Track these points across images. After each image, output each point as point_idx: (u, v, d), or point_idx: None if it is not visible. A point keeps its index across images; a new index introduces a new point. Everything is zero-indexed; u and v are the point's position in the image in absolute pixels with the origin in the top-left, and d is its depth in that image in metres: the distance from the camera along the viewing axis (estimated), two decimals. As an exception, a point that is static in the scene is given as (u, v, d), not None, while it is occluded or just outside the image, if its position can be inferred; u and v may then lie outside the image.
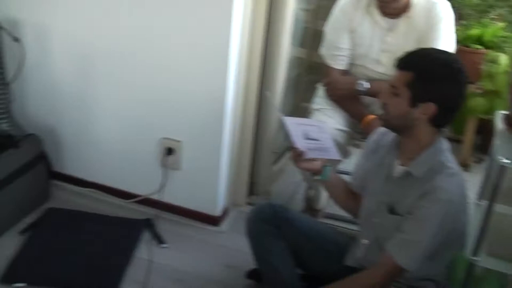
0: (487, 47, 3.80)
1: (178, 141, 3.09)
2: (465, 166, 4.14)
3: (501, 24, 3.79)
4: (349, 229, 2.82)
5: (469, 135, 4.13)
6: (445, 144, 2.20)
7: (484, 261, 2.34)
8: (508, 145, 2.25)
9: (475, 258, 2.31)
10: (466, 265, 2.36)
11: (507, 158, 2.13)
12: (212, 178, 3.13)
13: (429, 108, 2.07)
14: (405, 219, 2.16)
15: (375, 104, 2.98)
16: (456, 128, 4.19)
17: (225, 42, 2.78)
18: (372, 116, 2.94)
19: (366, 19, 2.94)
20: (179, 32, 2.85)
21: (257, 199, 3.38)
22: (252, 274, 2.80)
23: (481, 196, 2.70)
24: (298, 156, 2.33)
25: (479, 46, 3.84)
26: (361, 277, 2.24)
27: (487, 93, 3.83)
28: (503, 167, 2.14)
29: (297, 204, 3.44)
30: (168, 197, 3.24)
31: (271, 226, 2.48)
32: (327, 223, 3.14)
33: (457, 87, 2.10)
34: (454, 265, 2.40)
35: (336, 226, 3.05)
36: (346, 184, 2.53)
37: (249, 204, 3.34)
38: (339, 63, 3.04)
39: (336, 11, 3.01)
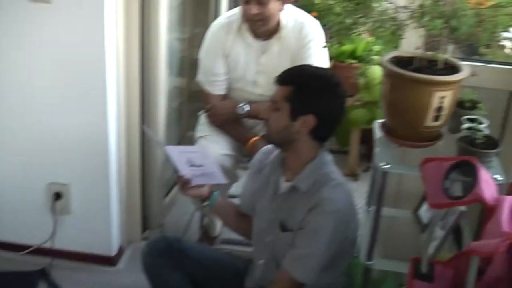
0: (360, 61, 3.94)
1: (65, 185, 3.02)
2: (354, 175, 4.25)
3: (370, 38, 3.95)
4: (247, 252, 2.82)
5: (354, 145, 4.24)
6: (328, 157, 2.25)
7: (379, 264, 2.39)
8: (387, 151, 2.32)
9: (369, 262, 2.36)
10: (362, 270, 2.40)
11: (387, 163, 2.19)
12: (104, 218, 3.07)
13: (309, 120, 2.12)
14: (297, 234, 2.18)
15: (258, 126, 3.03)
16: (341, 140, 4.29)
17: (101, 79, 2.76)
18: (256, 138, 2.98)
19: (239, 42, 2.99)
20: (54, 69, 2.80)
21: (152, 233, 3.34)
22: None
23: (369, 202, 2.77)
24: (184, 184, 2.33)
25: (353, 61, 3.97)
26: (261, 297, 2.25)
27: (366, 104, 3.96)
28: (385, 172, 2.21)
29: (193, 234, 3.42)
30: (61, 244, 3.13)
31: (166, 258, 2.44)
32: (224, 249, 3.15)
33: (334, 99, 2.16)
34: (351, 272, 2.44)
35: (235, 250, 3.05)
36: (235, 208, 2.54)
37: (144, 239, 3.29)
38: (217, 89, 3.06)
39: (208, 37, 3.04)
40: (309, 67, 2.35)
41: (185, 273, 2.44)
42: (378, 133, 2.42)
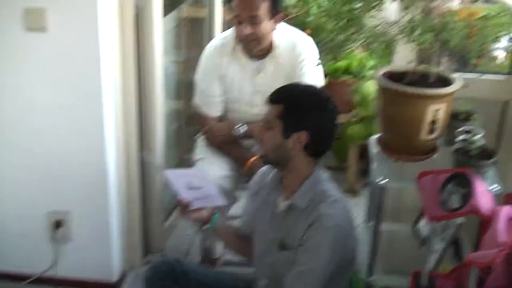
0: (355, 76, 3.95)
1: (66, 212, 3.01)
2: (353, 191, 4.23)
3: (364, 54, 3.97)
4: (249, 273, 2.82)
5: (353, 161, 4.24)
6: (324, 173, 2.26)
7: (380, 280, 2.40)
8: (384, 165, 2.34)
9: (370, 278, 2.36)
10: (364, 286, 2.40)
11: (384, 178, 2.20)
12: (105, 245, 3.06)
13: (302, 137, 2.13)
14: (297, 252, 2.18)
15: (256, 146, 3.03)
16: (339, 156, 4.29)
17: (99, 105, 2.77)
18: (254, 158, 2.97)
19: (234, 63, 3.00)
20: (51, 96, 2.81)
21: (153, 257, 3.33)
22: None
23: (368, 218, 2.77)
24: (184, 207, 2.34)
25: (347, 77, 3.98)
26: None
27: (363, 120, 3.97)
28: (382, 187, 2.22)
29: (194, 257, 3.41)
30: (63, 272, 3.12)
31: (169, 281, 2.43)
32: (226, 271, 3.13)
33: (325, 114, 2.17)
34: (352, 288, 2.44)
35: (237, 272, 3.04)
36: (236, 229, 2.55)
37: (146, 264, 3.28)
38: (214, 110, 3.07)
39: (203, 60, 3.06)
40: (298, 85, 2.38)
41: (189, 296, 2.44)
42: (374, 148, 2.44)
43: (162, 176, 2.89)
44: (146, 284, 2.47)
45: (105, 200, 2.96)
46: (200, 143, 3.18)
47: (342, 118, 2.55)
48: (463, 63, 2.86)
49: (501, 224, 1.67)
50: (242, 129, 3.02)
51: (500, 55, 2.99)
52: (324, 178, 2.24)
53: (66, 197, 3.00)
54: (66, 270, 3.13)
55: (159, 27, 3.01)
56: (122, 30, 2.84)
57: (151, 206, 3.23)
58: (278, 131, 2.15)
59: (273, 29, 2.91)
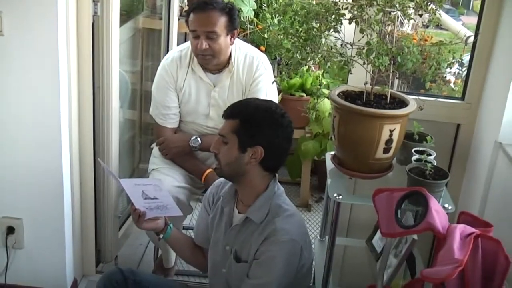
0: (309, 94, 4.04)
1: (19, 219, 2.98)
2: (306, 206, 4.32)
3: (319, 72, 4.06)
4: (202, 283, 2.84)
5: (306, 177, 4.31)
6: (279, 188, 2.30)
7: (334, 293, 2.44)
8: (339, 182, 2.37)
9: (325, 292, 2.40)
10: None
11: (339, 194, 2.25)
12: (58, 252, 3.03)
13: (257, 151, 2.18)
14: (252, 265, 2.22)
15: (211, 158, 3.06)
16: (292, 171, 4.36)
17: (55, 112, 2.76)
18: (209, 170, 3.02)
19: (191, 76, 3.04)
20: (6, 102, 2.78)
21: (106, 266, 3.32)
22: None
23: (322, 232, 2.83)
24: (139, 217, 2.35)
25: (302, 93, 4.07)
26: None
27: (316, 136, 4.06)
28: (338, 203, 2.26)
29: (148, 265, 3.42)
30: (14, 279, 3.08)
31: (122, 291, 2.45)
32: (179, 281, 3.16)
33: (280, 130, 2.22)
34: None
35: (189, 282, 3.07)
36: (191, 240, 2.57)
37: (99, 272, 3.27)
38: (170, 122, 3.10)
39: (160, 71, 3.08)
40: (254, 100, 2.40)
41: (142, 305, 2.45)
42: (330, 164, 2.48)
43: (117, 185, 2.88)
44: (98, 293, 2.47)
45: (59, 207, 2.94)
46: (155, 153, 3.19)
47: (295, 134, 2.60)
48: (417, 86, 2.96)
49: (456, 242, 1.75)
50: (197, 141, 3.05)
51: (452, 80, 3.12)
52: (279, 193, 2.29)
53: (19, 204, 2.96)
54: (18, 277, 3.09)
55: (116, 36, 3.00)
56: (78, 38, 2.84)
57: (105, 214, 3.21)
58: (233, 146, 2.20)
59: (230, 44, 2.96)
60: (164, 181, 2.82)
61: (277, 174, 2.33)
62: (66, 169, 2.90)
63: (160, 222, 2.41)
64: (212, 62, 2.97)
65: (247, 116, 2.21)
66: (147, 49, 3.96)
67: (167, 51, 3.75)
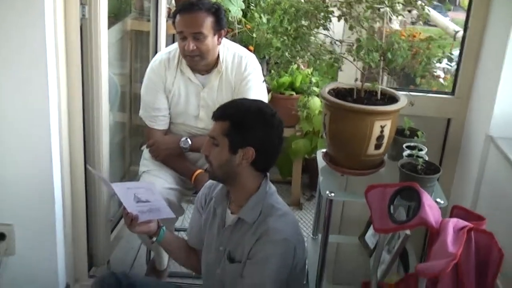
0: (298, 92, 4.04)
1: (9, 225, 2.94)
2: (297, 205, 4.32)
3: (308, 70, 4.05)
4: (196, 284, 2.84)
5: (297, 175, 4.31)
6: (271, 187, 2.30)
7: (328, 290, 2.44)
8: (331, 179, 2.38)
9: (319, 289, 2.40)
10: (313, 297, 2.44)
11: (331, 192, 2.25)
12: (50, 258, 3.00)
13: (248, 152, 2.17)
14: (246, 265, 2.21)
15: (202, 159, 3.06)
16: (283, 170, 4.36)
17: (44, 115, 2.72)
18: (200, 171, 3.01)
19: (179, 78, 3.03)
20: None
21: (98, 270, 3.30)
22: None
23: (315, 230, 2.83)
24: (131, 220, 2.34)
25: (292, 92, 4.07)
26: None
27: (307, 134, 4.06)
28: (330, 200, 2.26)
29: (140, 268, 3.41)
30: (5, 285, 3.04)
31: (115, 295, 2.43)
32: (173, 282, 3.14)
33: (271, 130, 2.22)
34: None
35: (183, 283, 3.06)
36: (184, 242, 2.56)
37: (92, 277, 3.25)
38: (159, 124, 3.09)
39: (148, 73, 3.07)
40: (244, 101, 2.40)
41: (136, 308, 2.44)
42: (321, 162, 2.48)
43: (108, 189, 2.86)
44: (92, 297, 2.46)
45: (50, 212, 2.91)
46: (146, 155, 3.18)
47: (286, 133, 2.59)
48: (407, 82, 2.96)
49: (449, 236, 1.75)
50: (188, 142, 3.04)
51: (441, 75, 3.13)
52: (271, 192, 2.29)
53: (9, 210, 2.92)
54: (10, 283, 3.05)
55: (105, 38, 2.98)
56: (67, 41, 2.82)
57: (97, 218, 3.20)
58: (224, 148, 2.19)
59: (217, 44, 2.95)
60: (155, 183, 2.82)
61: (268, 174, 2.32)
62: (57, 173, 2.88)
63: (153, 225, 2.40)
64: (201, 63, 2.96)
65: (237, 118, 2.20)
66: (136, 51, 3.94)
67: (156, 52, 3.73)
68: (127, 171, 3.84)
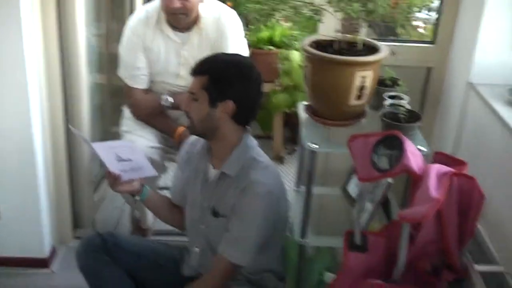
0: (278, 47, 4.02)
1: (-7, 189, 2.96)
2: (279, 159, 4.34)
3: (287, 24, 4.03)
4: (180, 241, 2.84)
5: (278, 129, 4.32)
6: (253, 141, 2.30)
7: (313, 241, 2.45)
8: (314, 131, 2.37)
9: (303, 240, 2.41)
10: (297, 248, 2.46)
11: (314, 143, 2.25)
12: (34, 221, 3.02)
13: (228, 106, 2.16)
14: (230, 219, 2.23)
15: (183, 116, 3.04)
16: (264, 125, 4.37)
17: (22, 79, 2.71)
18: (182, 128, 3.00)
19: (159, 35, 2.99)
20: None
21: (83, 231, 3.31)
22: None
23: (298, 182, 2.84)
24: (114, 180, 2.33)
25: (271, 47, 4.05)
26: (200, 284, 2.29)
27: (287, 89, 4.05)
28: (313, 152, 2.27)
29: (125, 227, 3.42)
30: (-8, 250, 3.07)
31: (102, 254, 2.43)
32: (158, 240, 3.16)
33: (250, 83, 2.21)
34: (287, 251, 2.50)
35: (168, 240, 3.06)
36: (167, 200, 2.56)
37: (77, 238, 3.26)
38: (139, 82, 3.06)
39: (127, 32, 3.02)
40: (222, 55, 2.38)
41: (123, 267, 2.44)
42: (303, 115, 2.48)
43: (89, 149, 2.85)
44: (78, 258, 2.46)
45: (32, 175, 2.92)
46: (127, 115, 3.16)
47: (266, 88, 2.59)
48: (387, 32, 2.96)
49: (432, 181, 1.76)
50: (168, 100, 3.02)
51: (420, 25, 3.12)
52: (253, 146, 2.29)
53: (-7, 175, 2.93)
54: (-4, 248, 3.08)
55: (81, -2, 2.96)
56: (42, 1, 2.79)
57: (79, 179, 3.20)
58: (204, 102, 2.17)
59: (200, 1, 2.92)
60: (137, 142, 2.81)
61: (249, 128, 2.32)
62: (38, 135, 2.87)
63: (136, 184, 2.39)
64: (184, 21, 2.92)
65: (215, 71, 2.18)
66: (111, 11, 3.88)
67: (132, 12, 3.69)
68: (108, 131, 3.83)
